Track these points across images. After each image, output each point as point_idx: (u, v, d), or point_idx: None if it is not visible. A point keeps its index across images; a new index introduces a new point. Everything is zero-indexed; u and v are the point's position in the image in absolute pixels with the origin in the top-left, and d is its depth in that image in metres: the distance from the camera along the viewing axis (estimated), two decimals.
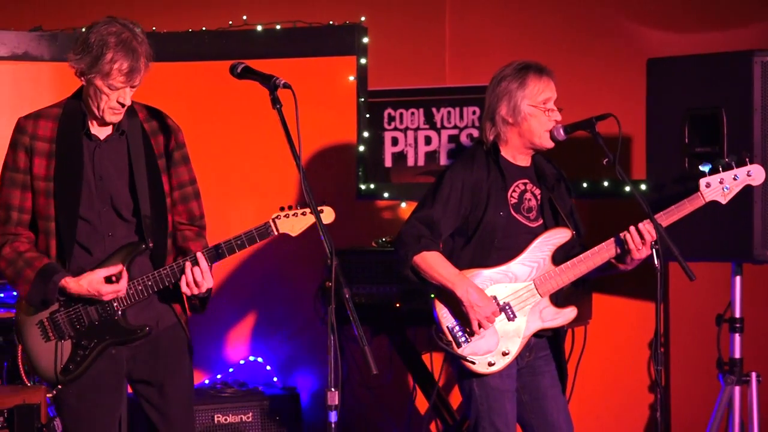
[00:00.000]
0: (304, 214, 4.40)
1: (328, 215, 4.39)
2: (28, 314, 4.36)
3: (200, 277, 4.33)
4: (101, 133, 4.40)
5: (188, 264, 4.33)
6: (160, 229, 4.44)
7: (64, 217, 4.32)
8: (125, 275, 4.32)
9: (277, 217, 4.39)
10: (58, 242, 4.34)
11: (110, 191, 4.37)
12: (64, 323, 4.33)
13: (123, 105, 4.31)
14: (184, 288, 4.34)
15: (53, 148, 4.34)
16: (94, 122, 4.38)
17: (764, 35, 6.19)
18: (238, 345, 7.14)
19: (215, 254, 4.37)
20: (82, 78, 4.31)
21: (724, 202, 4.77)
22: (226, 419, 6.45)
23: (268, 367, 7.07)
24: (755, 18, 6.32)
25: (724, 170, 4.76)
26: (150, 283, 4.35)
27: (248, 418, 6.49)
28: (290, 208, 4.41)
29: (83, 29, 4.35)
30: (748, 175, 4.78)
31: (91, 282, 4.28)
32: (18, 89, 7.15)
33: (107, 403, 4.43)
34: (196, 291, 4.35)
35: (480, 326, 4.68)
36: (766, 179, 4.85)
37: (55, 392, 4.40)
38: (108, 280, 4.29)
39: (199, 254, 4.34)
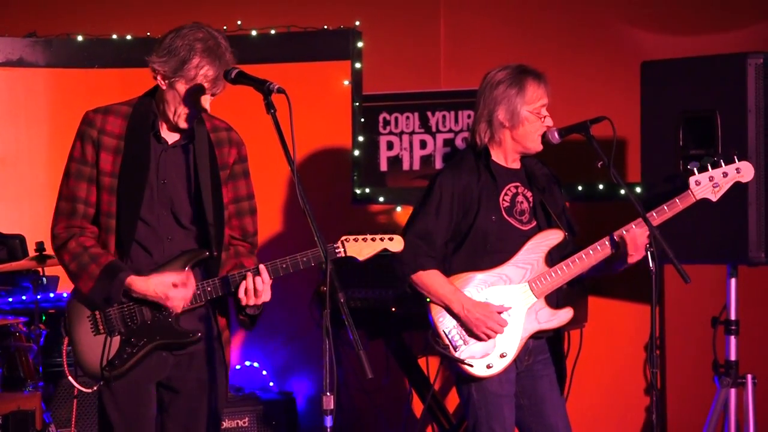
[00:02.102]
0: (373, 239, 4.37)
1: (395, 244, 4.38)
2: (81, 308, 4.30)
3: (261, 287, 4.28)
4: (170, 137, 4.37)
5: (250, 274, 4.29)
6: (220, 240, 4.40)
7: (125, 216, 4.28)
8: (192, 284, 4.28)
9: (346, 240, 4.34)
10: (117, 240, 4.30)
11: (171, 196, 4.33)
12: (116, 319, 4.28)
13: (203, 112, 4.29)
14: (241, 294, 4.28)
15: (121, 144, 4.30)
16: (165, 125, 4.35)
17: (758, 37, 6.20)
18: (233, 350, 7.13)
19: (278, 269, 4.32)
20: (164, 81, 4.27)
21: (714, 199, 4.78)
22: (222, 424, 6.44)
23: (264, 372, 7.07)
24: (749, 20, 6.33)
25: (713, 168, 4.77)
26: (209, 289, 4.31)
27: (244, 423, 6.49)
28: (362, 234, 4.37)
29: (167, 34, 4.32)
30: (737, 172, 4.78)
31: (159, 284, 4.24)
32: (12, 95, 7.15)
33: (149, 400, 4.38)
34: (252, 301, 4.28)
35: (488, 336, 4.71)
36: (755, 176, 4.86)
37: (96, 388, 4.33)
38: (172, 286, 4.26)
39: (261, 266, 4.29)
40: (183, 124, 4.32)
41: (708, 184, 4.76)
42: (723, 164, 4.77)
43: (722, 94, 5.41)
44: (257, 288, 4.28)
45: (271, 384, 7.03)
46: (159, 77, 4.28)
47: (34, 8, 7.48)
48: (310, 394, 6.97)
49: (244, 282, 4.28)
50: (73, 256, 4.29)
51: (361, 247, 4.36)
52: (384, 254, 6.35)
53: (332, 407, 3.84)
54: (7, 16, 7.41)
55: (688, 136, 5.49)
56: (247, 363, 7.09)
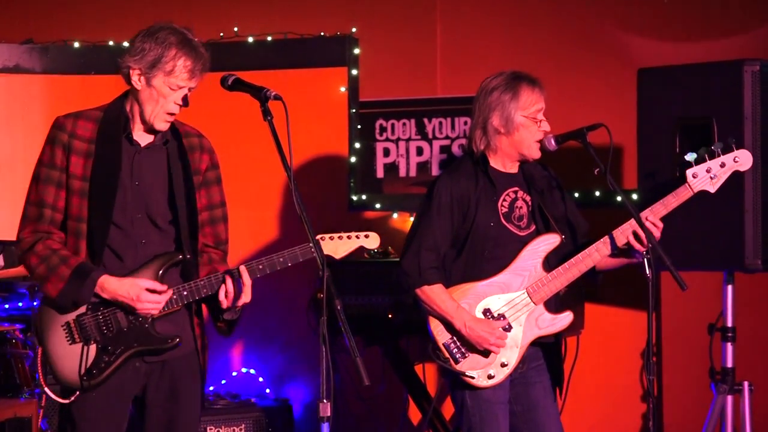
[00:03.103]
0: (349, 237, 4.36)
1: (371, 242, 4.38)
2: (53, 316, 4.24)
3: (241, 289, 4.25)
4: (143, 140, 4.33)
5: (228, 277, 4.26)
6: (195, 243, 4.37)
7: (97, 220, 4.23)
8: (169, 293, 4.23)
9: (321, 239, 4.32)
10: (89, 245, 4.24)
11: (146, 198, 4.29)
12: (91, 327, 4.22)
13: (179, 108, 4.27)
14: (221, 297, 4.26)
15: (92, 148, 4.26)
16: (138, 128, 4.32)
17: (755, 45, 6.20)
18: (230, 357, 7.13)
19: (254, 270, 4.29)
20: (139, 80, 4.24)
21: (713, 190, 4.73)
22: (218, 431, 6.44)
23: (261, 379, 7.06)
24: (745, 27, 6.34)
25: (710, 158, 4.73)
26: (186, 293, 4.27)
27: (241, 430, 6.49)
28: (337, 233, 4.36)
29: (137, 35, 4.31)
30: (735, 161, 4.71)
31: (132, 286, 4.19)
32: (9, 102, 7.15)
33: (122, 415, 4.32)
34: (231, 304, 4.27)
35: (490, 352, 4.71)
36: (752, 183, 4.84)
37: (72, 399, 4.23)
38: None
39: (242, 267, 4.26)
40: (159, 125, 4.29)
41: (705, 176, 4.70)
42: (720, 154, 4.72)
43: (719, 101, 5.41)
44: (237, 290, 4.26)
45: (268, 391, 7.02)
46: (135, 76, 4.24)
47: (31, 15, 7.48)
48: (306, 401, 6.96)
49: (223, 285, 4.25)
50: (41, 259, 4.23)
51: (336, 246, 4.35)
52: (379, 260, 6.39)
53: (329, 414, 3.84)
54: (4, 23, 7.41)
55: (685, 142, 5.48)
56: (244, 370, 7.08)
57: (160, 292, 4.21)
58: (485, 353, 4.71)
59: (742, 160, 4.73)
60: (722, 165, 4.71)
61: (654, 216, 4.69)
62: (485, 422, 4.73)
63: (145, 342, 4.26)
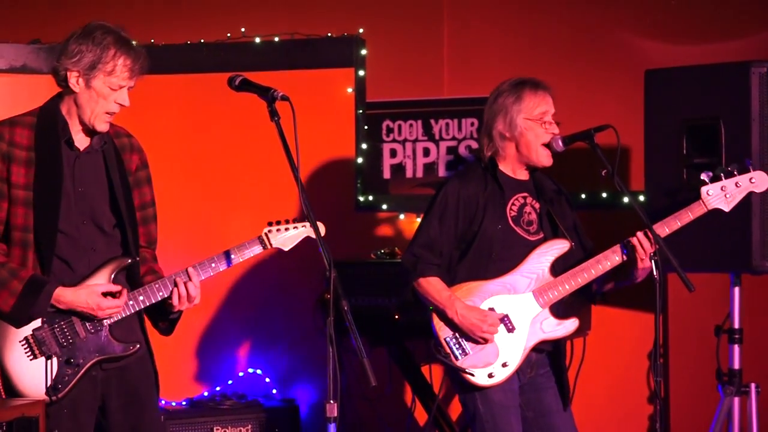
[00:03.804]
0: (296, 228, 4.39)
1: (319, 227, 4.37)
2: (8, 331, 4.16)
3: (194, 292, 4.26)
4: (81, 143, 4.30)
5: (180, 279, 4.26)
6: (137, 245, 4.38)
7: (43, 229, 4.17)
8: (125, 294, 4.22)
9: (269, 231, 4.36)
10: (36, 255, 4.19)
11: (90, 204, 4.27)
12: (49, 340, 4.17)
13: (119, 107, 4.24)
14: (175, 301, 4.26)
15: (32, 155, 4.20)
16: (76, 131, 4.28)
17: (761, 46, 6.19)
18: (237, 357, 7.13)
19: (207, 268, 4.31)
20: (77, 82, 4.20)
21: (727, 209, 4.75)
22: (225, 431, 6.44)
23: (267, 379, 7.06)
24: (752, 29, 6.33)
25: (726, 178, 4.75)
26: (141, 297, 4.26)
27: (247, 430, 6.48)
28: (278, 222, 4.39)
29: (67, 38, 4.28)
30: (751, 182, 4.75)
31: (90, 294, 4.16)
32: (16, 102, 7.13)
33: (86, 425, 4.28)
34: (185, 306, 4.28)
35: (484, 340, 4.70)
36: (761, 165, 4.85)
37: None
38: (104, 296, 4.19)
39: (191, 269, 4.27)
40: (100, 126, 4.26)
41: (720, 194, 4.73)
42: (736, 173, 4.75)
43: (726, 102, 5.40)
44: (190, 293, 4.26)
45: (274, 391, 7.02)
46: (74, 78, 4.21)
47: (38, 15, 7.48)
48: (313, 401, 6.96)
49: (176, 288, 4.24)
50: None
51: (284, 238, 4.37)
52: (386, 261, 6.39)
53: (336, 415, 3.84)
54: (12, 23, 7.41)
55: (692, 144, 5.49)
56: (250, 370, 7.08)
57: (115, 294, 4.20)
58: (487, 352, 4.70)
59: (758, 181, 4.76)
60: (737, 185, 4.74)
61: (669, 229, 4.70)
62: (498, 427, 4.73)
63: (106, 350, 4.23)
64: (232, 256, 4.34)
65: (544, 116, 4.79)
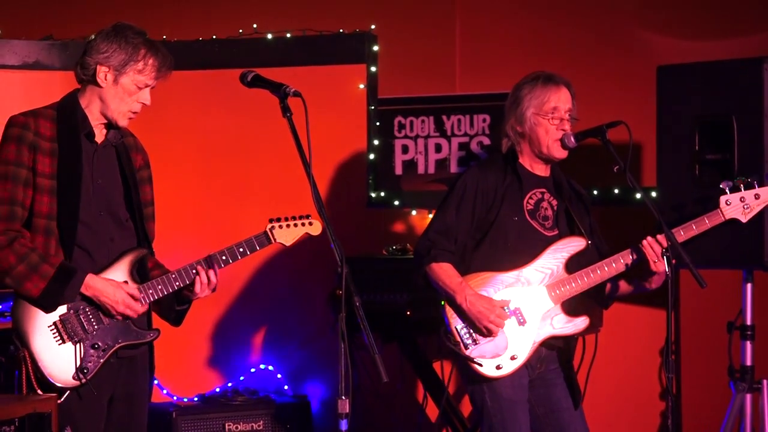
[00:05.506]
0: (296, 225, 4.49)
1: (315, 228, 4.50)
2: (36, 317, 4.24)
3: (214, 278, 4.39)
4: (98, 137, 4.40)
5: (201, 267, 4.37)
6: (147, 238, 4.49)
7: (66, 218, 4.27)
8: (145, 308, 4.34)
9: (272, 227, 4.46)
10: (60, 243, 4.27)
11: (107, 196, 4.37)
12: (75, 325, 4.26)
13: (141, 107, 4.36)
14: (197, 288, 4.37)
15: (55, 147, 4.30)
16: (96, 125, 4.38)
17: None
18: (248, 353, 7.14)
19: (218, 260, 4.40)
20: (106, 78, 4.31)
21: (744, 220, 4.76)
22: (236, 427, 6.45)
23: (279, 375, 7.07)
24: (765, 25, 6.32)
25: (746, 189, 4.74)
26: (160, 286, 4.36)
27: (259, 426, 6.49)
28: (287, 219, 4.50)
29: (96, 35, 4.38)
30: None
31: (118, 289, 4.27)
32: (29, 97, 7.14)
33: (103, 413, 4.37)
34: (206, 293, 4.39)
35: (489, 330, 4.69)
36: None
37: (64, 398, 4.24)
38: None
39: (211, 256, 4.39)
40: (122, 122, 4.38)
41: (738, 205, 4.73)
42: (756, 186, 4.74)
43: (738, 98, 5.39)
44: (211, 279, 4.38)
45: (286, 387, 7.03)
46: (102, 74, 4.31)
47: (50, 11, 7.50)
48: (324, 397, 6.97)
49: (198, 278, 4.36)
50: (20, 257, 4.21)
51: (286, 233, 4.48)
52: (397, 257, 6.39)
53: (347, 411, 3.85)
54: (24, 20, 7.42)
55: (704, 140, 5.48)
56: (262, 366, 7.09)
57: (137, 300, 4.31)
58: (496, 344, 4.70)
59: None
60: (757, 197, 4.74)
61: (685, 234, 4.70)
62: (507, 423, 4.74)
63: (128, 336, 4.34)
64: (241, 249, 4.42)
65: (555, 112, 4.79)
